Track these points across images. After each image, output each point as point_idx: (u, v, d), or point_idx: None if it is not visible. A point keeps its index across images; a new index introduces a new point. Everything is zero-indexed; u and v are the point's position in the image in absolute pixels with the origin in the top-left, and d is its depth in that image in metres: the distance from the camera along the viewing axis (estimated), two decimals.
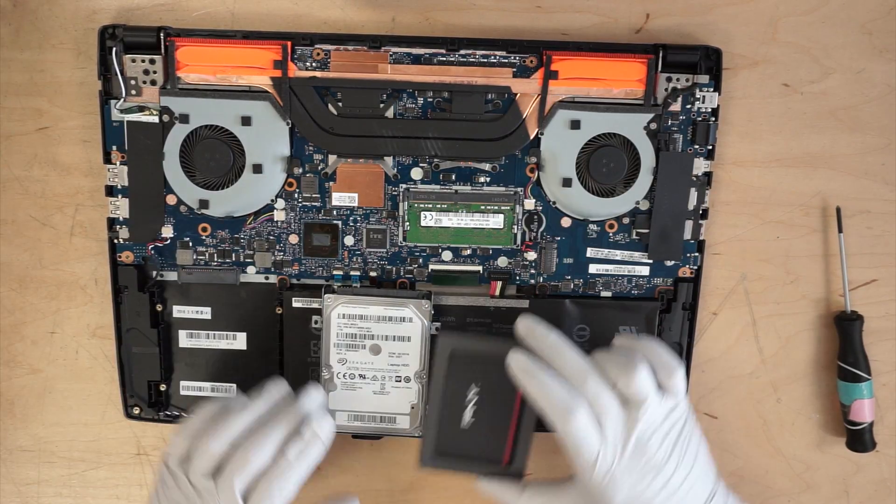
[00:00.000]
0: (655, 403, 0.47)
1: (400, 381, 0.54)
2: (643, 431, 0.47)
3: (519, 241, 0.55)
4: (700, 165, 0.54)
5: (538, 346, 0.49)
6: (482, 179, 0.54)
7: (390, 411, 0.55)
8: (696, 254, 0.55)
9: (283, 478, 0.47)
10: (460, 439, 0.52)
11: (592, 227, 0.54)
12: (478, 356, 0.51)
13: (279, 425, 0.48)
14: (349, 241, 0.55)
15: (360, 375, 0.54)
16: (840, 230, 0.56)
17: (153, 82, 0.52)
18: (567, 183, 0.53)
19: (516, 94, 0.52)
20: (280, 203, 0.54)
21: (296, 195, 0.54)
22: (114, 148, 0.53)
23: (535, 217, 0.54)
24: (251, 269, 0.55)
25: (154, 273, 0.55)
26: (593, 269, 0.55)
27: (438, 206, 0.54)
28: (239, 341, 0.55)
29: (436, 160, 0.54)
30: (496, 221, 0.54)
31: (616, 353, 0.49)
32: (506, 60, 0.52)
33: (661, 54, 0.52)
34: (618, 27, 0.54)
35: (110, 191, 0.53)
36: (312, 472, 0.48)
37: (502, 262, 0.55)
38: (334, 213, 0.54)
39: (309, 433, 0.48)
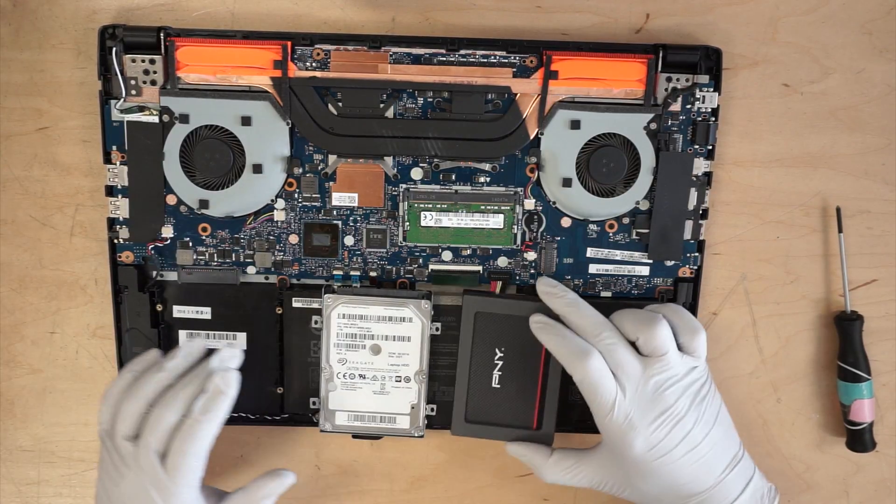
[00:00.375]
0: (675, 358, 0.48)
1: (400, 381, 0.54)
2: (661, 380, 0.48)
3: (519, 241, 0.55)
4: (700, 165, 0.53)
5: (557, 304, 0.50)
6: (482, 179, 0.54)
7: (390, 411, 0.54)
8: (696, 254, 0.55)
9: (192, 434, 0.48)
10: (489, 406, 0.54)
11: (592, 227, 0.54)
12: (502, 318, 0.52)
13: (189, 384, 0.49)
14: (349, 241, 0.55)
15: (360, 375, 0.54)
16: (840, 230, 0.56)
17: (153, 82, 0.52)
18: (567, 183, 0.53)
19: (516, 94, 0.52)
20: (280, 203, 0.54)
21: (296, 195, 0.54)
22: (114, 148, 0.53)
23: (535, 217, 0.54)
24: (251, 269, 0.55)
25: (154, 273, 0.55)
26: (593, 269, 0.55)
27: (438, 206, 0.54)
28: (239, 341, 0.55)
29: (436, 160, 0.53)
30: (496, 221, 0.54)
31: (638, 312, 0.50)
32: (506, 60, 0.52)
33: (661, 54, 0.52)
34: (618, 27, 0.54)
35: (110, 191, 0.53)
36: (223, 425, 0.49)
37: (502, 262, 0.55)
38: (334, 213, 0.54)
39: (213, 388, 0.49)
